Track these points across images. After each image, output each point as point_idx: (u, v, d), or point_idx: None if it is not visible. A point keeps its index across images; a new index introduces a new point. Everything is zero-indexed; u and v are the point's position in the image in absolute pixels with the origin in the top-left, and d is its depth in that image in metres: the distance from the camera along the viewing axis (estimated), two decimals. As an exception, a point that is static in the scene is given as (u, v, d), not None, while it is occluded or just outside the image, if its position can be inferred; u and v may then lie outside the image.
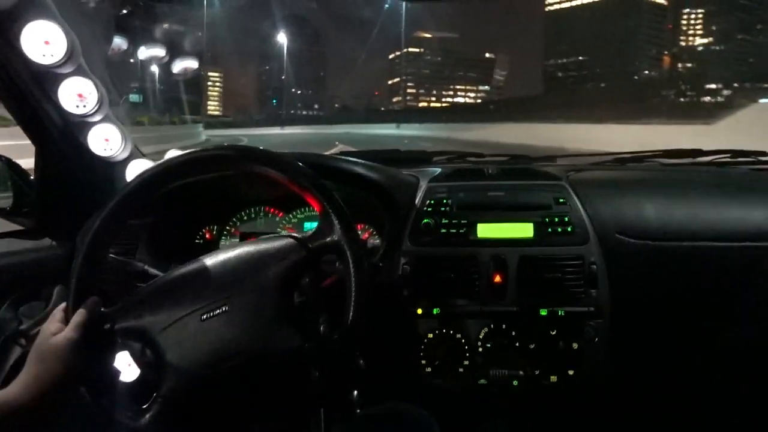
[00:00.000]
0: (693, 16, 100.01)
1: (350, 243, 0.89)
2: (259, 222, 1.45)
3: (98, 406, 0.85)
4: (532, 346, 1.19)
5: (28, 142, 1.30)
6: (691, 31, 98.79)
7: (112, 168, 1.39)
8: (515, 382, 1.19)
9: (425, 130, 28.47)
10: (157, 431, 0.84)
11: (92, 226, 0.90)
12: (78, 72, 1.24)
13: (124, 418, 0.84)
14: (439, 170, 1.41)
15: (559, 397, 1.22)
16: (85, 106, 1.27)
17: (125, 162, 1.40)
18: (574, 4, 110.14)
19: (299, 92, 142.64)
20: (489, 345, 1.19)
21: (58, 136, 1.30)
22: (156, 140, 13.70)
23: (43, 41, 1.15)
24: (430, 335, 1.21)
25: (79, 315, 0.84)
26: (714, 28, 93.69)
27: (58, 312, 0.88)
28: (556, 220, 1.21)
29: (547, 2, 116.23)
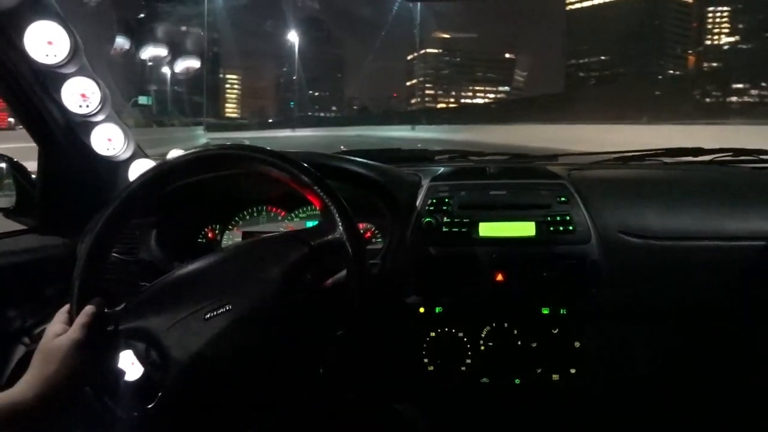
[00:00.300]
0: (719, 13, 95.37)
1: (352, 240, 0.89)
2: (261, 221, 1.45)
3: (103, 405, 0.86)
4: (533, 345, 1.19)
5: (34, 145, 1.31)
6: (716, 30, 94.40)
7: (115, 167, 1.39)
8: (517, 381, 1.20)
9: (442, 132, 26.78)
10: (160, 430, 0.84)
11: (95, 226, 0.90)
12: (81, 72, 1.25)
13: (129, 417, 0.85)
14: (440, 169, 1.42)
15: (560, 395, 1.22)
16: (88, 106, 1.27)
17: (128, 161, 1.41)
18: (595, 2, 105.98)
19: (316, 94, 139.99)
20: (491, 344, 1.19)
21: (61, 135, 1.30)
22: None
23: (46, 41, 1.16)
24: (432, 334, 1.21)
25: (83, 316, 0.85)
26: (741, 26, 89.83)
27: (62, 313, 0.88)
28: (558, 219, 1.21)
29: (568, 1, 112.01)
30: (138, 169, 1.40)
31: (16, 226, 1.38)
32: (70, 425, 0.86)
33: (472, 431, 1.31)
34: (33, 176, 1.36)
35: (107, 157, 1.36)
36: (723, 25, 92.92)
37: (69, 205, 1.35)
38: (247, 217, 1.45)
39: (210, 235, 1.46)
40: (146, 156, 1.45)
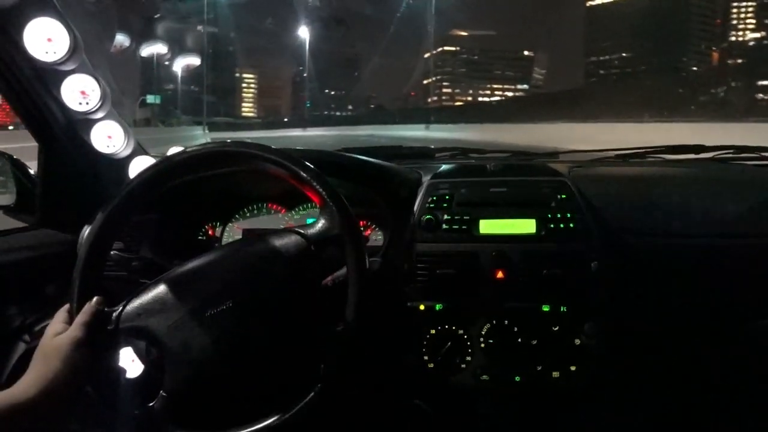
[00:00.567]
0: (743, 9, 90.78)
1: (351, 235, 0.90)
2: (261, 218, 1.45)
3: (104, 404, 0.86)
4: (534, 342, 1.19)
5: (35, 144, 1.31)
6: (741, 26, 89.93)
7: (115, 165, 1.39)
8: (517, 378, 1.20)
9: (458, 131, 24.64)
10: (162, 428, 0.85)
11: (95, 223, 0.90)
12: (81, 69, 1.25)
13: (130, 415, 0.85)
14: (441, 166, 1.41)
15: (561, 393, 1.22)
16: (87, 103, 1.27)
17: (128, 159, 1.41)
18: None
19: (332, 93, 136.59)
20: (491, 341, 1.19)
21: (61, 133, 1.30)
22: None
23: (45, 38, 1.16)
24: (433, 331, 1.21)
25: (83, 315, 0.85)
26: (767, 21, 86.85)
27: (62, 312, 0.88)
28: (559, 216, 1.21)
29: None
30: (138, 166, 1.40)
31: (17, 224, 1.38)
32: (71, 424, 0.86)
33: (473, 428, 1.31)
34: (33, 173, 1.37)
35: (107, 154, 1.36)
36: (748, 20, 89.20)
37: (69, 203, 1.35)
38: (248, 215, 1.45)
39: (210, 232, 1.46)
40: (146, 153, 1.45)
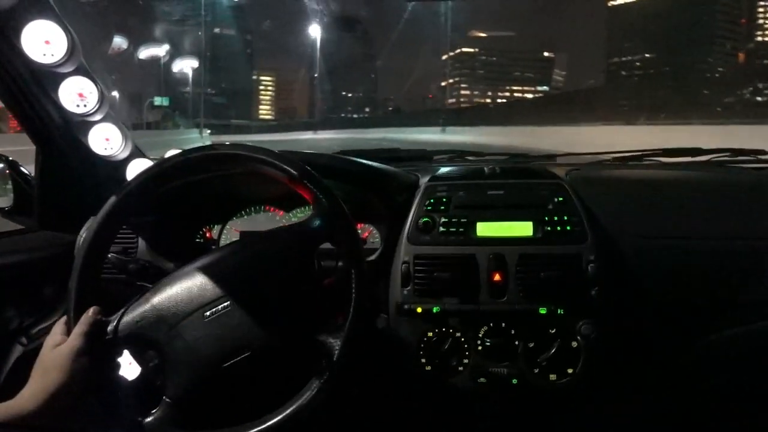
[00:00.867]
0: None
1: (346, 231, 0.90)
2: (259, 221, 1.45)
3: (106, 412, 0.86)
4: (531, 345, 1.19)
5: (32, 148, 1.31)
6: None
7: (113, 167, 1.39)
8: (514, 381, 1.20)
9: (476, 134, 23.34)
10: None
11: (92, 226, 0.90)
12: (78, 71, 1.24)
13: (133, 422, 0.85)
14: (438, 169, 1.42)
15: (558, 395, 1.22)
16: (85, 106, 1.27)
17: (126, 161, 1.41)
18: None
19: (349, 95, 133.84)
20: (488, 343, 1.19)
21: (59, 135, 1.30)
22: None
23: (43, 41, 1.15)
24: (430, 334, 1.21)
25: (81, 325, 0.85)
26: None
27: (60, 324, 0.88)
28: (556, 218, 1.21)
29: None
30: (136, 168, 1.40)
31: (14, 226, 1.38)
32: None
33: (470, 430, 1.31)
34: (30, 176, 1.36)
35: (105, 156, 1.36)
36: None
37: (67, 205, 1.35)
38: (245, 217, 1.45)
39: (208, 234, 1.46)
40: (144, 156, 1.45)
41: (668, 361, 1.28)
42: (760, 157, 1.50)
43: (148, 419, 0.84)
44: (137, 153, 1.43)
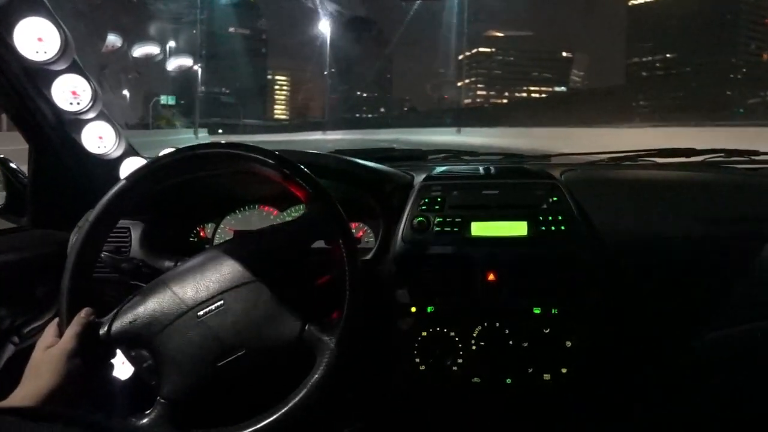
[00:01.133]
0: None
1: (339, 227, 0.90)
2: (253, 220, 1.45)
3: (100, 413, 0.85)
4: (525, 345, 1.19)
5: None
6: None
7: (106, 165, 1.39)
8: (508, 381, 1.20)
9: (494, 136, 21.12)
10: None
11: (84, 225, 0.90)
12: (72, 69, 1.24)
13: (127, 423, 0.84)
14: (433, 169, 1.42)
15: (552, 395, 1.22)
16: (78, 104, 1.26)
17: (119, 160, 1.40)
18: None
19: (364, 95, 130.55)
20: (482, 343, 1.20)
21: (52, 133, 1.29)
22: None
23: (36, 38, 1.15)
24: (424, 333, 1.21)
25: (74, 326, 0.84)
26: None
27: (52, 326, 0.88)
28: (550, 218, 1.21)
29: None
30: (129, 167, 1.39)
31: (6, 225, 1.37)
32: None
33: (464, 430, 1.31)
34: (21, 174, 1.36)
35: (98, 155, 1.35)
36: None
37: (60, 204, 1.34)
38: (240, 216, 1.45)
39: (202, 234, 1.45)
40: (138, 154, 1.44)
41: (663, 362, 1.28)
42: (753, 157, 1.50)
43: (143, 420, 0.84)
44: (131, 151, 1.42)
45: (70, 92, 1.25)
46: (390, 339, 1.23)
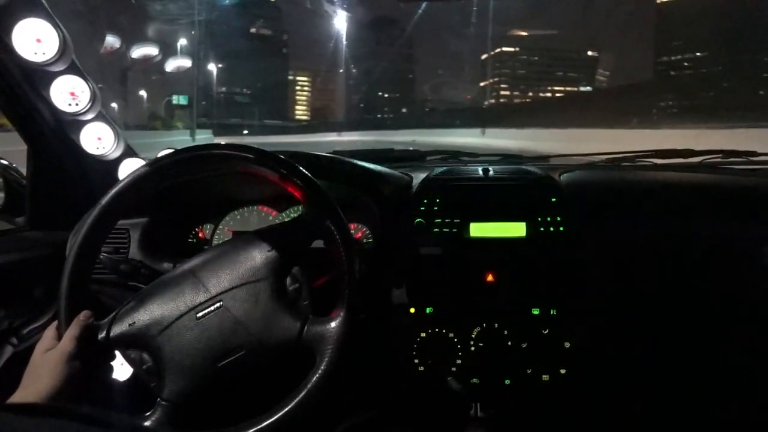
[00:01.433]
0: None
1: (336, 225, 0.90)
2: (252, 221, 1.45)
3: (100, 415, 0.85)
4: (524, 346, 1.19)
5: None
6: None
7: (105, 167, 1.39)
8: (507, 382, 1.20)
9: (523, 138, 19.54)
10: None
11: (83, 227, 0.89)
12: (70, 70, 1.24)
13: (128, 426, 0.84)
14: (432, 169, 1.42)
15: (551, 395, 1.22)
16: (77, 105, 1.26)
17: (118, 161, 1.40)
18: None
19: (386, 96, 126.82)
20: (481, 344, 1.20)
21: (51, 134, 1.29)
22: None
23: (34, 39, 1.15)
24: (423, 334, 1.21)
25: (73, 329, 0.84)
26: None
27: (51, 329, 0.88)
28: (549, 219, 1.21)
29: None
30: (128, 168, 1.39)
31: (5, 226, 1.37)
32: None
33: (463, 431, 1.31)
34: (19, 175, 1.36)
35: (97, 156, 1.35)
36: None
37: (58, 205, 1.34)
38: (238, 217, 1.45)
39: (201, 234, 1.45)
40: (136, 155, 1.44)
41: (661, 362, 1.28)
42: (751, 158, 1.50)
43: (144, 421, 0.83)
44: (129, 152, 1.42)
45: (68, 93, 1.25)
46: (389, 340, 1.23)
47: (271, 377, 0.88)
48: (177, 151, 0.94)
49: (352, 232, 1.35)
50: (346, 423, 1.28)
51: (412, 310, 1.21)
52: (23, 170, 1.35)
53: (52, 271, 0.99)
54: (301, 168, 0.92)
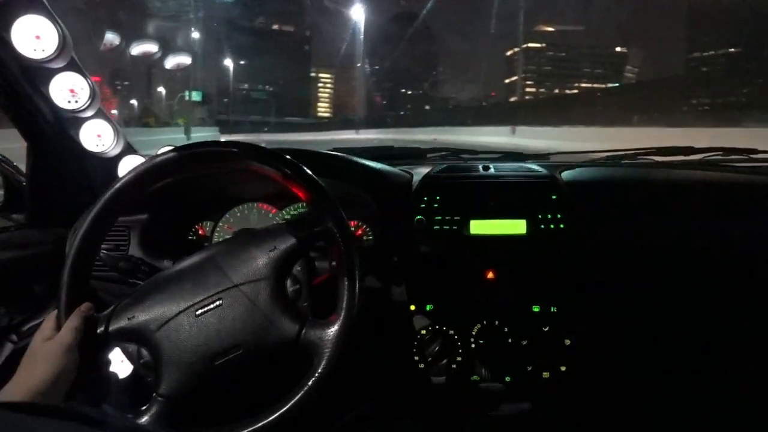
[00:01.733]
0: None
1: (339, 227, 0.90)
2: (252, 218, 1.45)
3: (96, 408, 0.85)
4: (524, 343, 1.19)
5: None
6: None
7: (105, 164, 1.38)
8: (507, 379, 1.20)
9: (563, 137, 16.51)
10: (157, 431, 0.84)
11: (83, 224, 0.89)
12: (70, 67, 1.24)
13: (124, 419, 0.84)
14: (432, 167, 1.41)
15: (550, 393, 1.22)
16: (77, 102, 1.26)
17: (117, 158, 1.40)
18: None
19: (409, 93, 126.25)
20: (482, 341, 1.20)
21: (50, 131, 1.29)
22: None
23: (33, 36, 1.14)
24: (423, 331, 1.21)
25: (72, 320, 0.84)
26: None
27: (51, 318, 0.88)
28: (549, 217, 1.21)
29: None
30: (127, 165, 1.39)
31: (5, 223, 1.37)
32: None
33: (463, 428, 1.31)
34: (18, 172, 1.35)
35: (97, 153, 1.35)
36: None
37: (58, 202, 1.34)
38: (238, 215, 1.45)
39: (201, 232, 1.45)
40: (136, 153, 1.44)
41: (661, 360, 1.28)
42: (752, 156, 1.50)
43: (139, 416, 0.83)
44: (129, 149, 1.42)
45: (68, 90, 1.25)
46: (389, 337, 1.23)
47: (268, 377, 0.88)
48: (178, 149, 0.94)
49: (352, 229, 1.35)
50: (348, 416, 1.28)
51: (413, 308, 1.21)
52: (23, 167, 1.35)
53: (52, 268, 0.99)
54: (305, 168, 0.92)
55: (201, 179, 0.97)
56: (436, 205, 1.24)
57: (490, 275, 1.19)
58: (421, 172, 1.36)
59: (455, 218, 1.22)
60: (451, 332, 1.21)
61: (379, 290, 1.22)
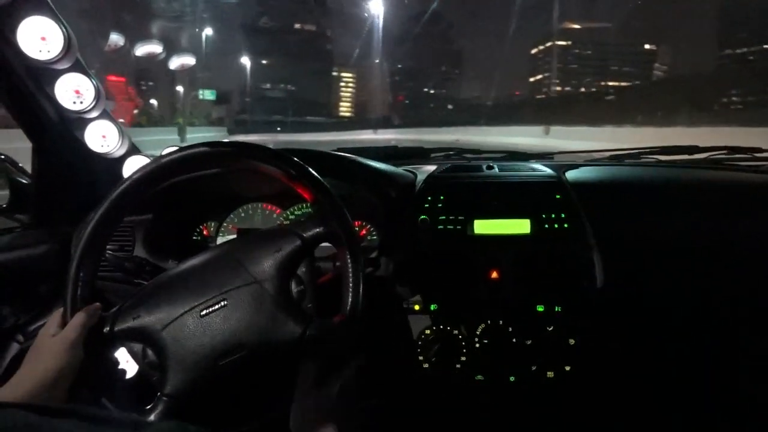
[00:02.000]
0: None
1: (343, 228, 0.90)
2: (256, 218, 1.45)
3: (100, 406, 0.85)
4: (528, 342, 1.19)
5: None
6: None
7: (110, 164, 1.39)
8: (512, 379, 1.20)
9: (604, 140, 14.65)
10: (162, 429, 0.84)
11: (88, 224, 0.90)
12: (75, 68, 1.24)
13: (137, 419, 0.84)
14: (436, 167, 1.42)
15: (555, 393, 1.22)
16: (82, 102, 1.27)
17: (122, 158, 1.40)
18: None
19: (432, 92, 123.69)
20: (486, 341, 1.20)
21: (55, 132, 1.30)
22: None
23: (39, 37, 1.15)
24: (427, 331, 1.21)
25: (78, 317, 0.85)
26: None
27: (57, 316, 0.88)
28: (553, 216, 1.21)
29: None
30: (132, 166, 1.40)
31: (10, 223, 1.37)
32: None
33: (467, 427, 1.31)
34: (22, 174, 1.36)
35: (102, 153, 1.36)
36: None
37: (63, 202, 1.34)
38: (243, 215, 1.45)
39: (205, 232, 1.46)
40: (140, 153, 1.44)
41: (666, 360, 1.28)
42: (756, 155, 1.50)
43: (145, 415, 0.84)
44: (134, 150, 1.43)
45: (73, 91, 1.25)
46: (393, 337, 1.23)
47: (274, 377, 0.88)
48: (184, 148, 0.94)
49: (357, 229, 1.35)
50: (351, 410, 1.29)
51: (417, 308, 1.21)
52: (28, 168, 1.35)
53: (57, 268, 1.00)
54: (310, 169, 0.92)
55: (205, 180, 0.97)
56: (440, 205, 1.24)
57: (495, 275, 1.19)
58: (425, 171, 1.36)
59: (459, 218, 1.22)
60: (456, 332, 1.21)
61: (384, 290, 1.23)
